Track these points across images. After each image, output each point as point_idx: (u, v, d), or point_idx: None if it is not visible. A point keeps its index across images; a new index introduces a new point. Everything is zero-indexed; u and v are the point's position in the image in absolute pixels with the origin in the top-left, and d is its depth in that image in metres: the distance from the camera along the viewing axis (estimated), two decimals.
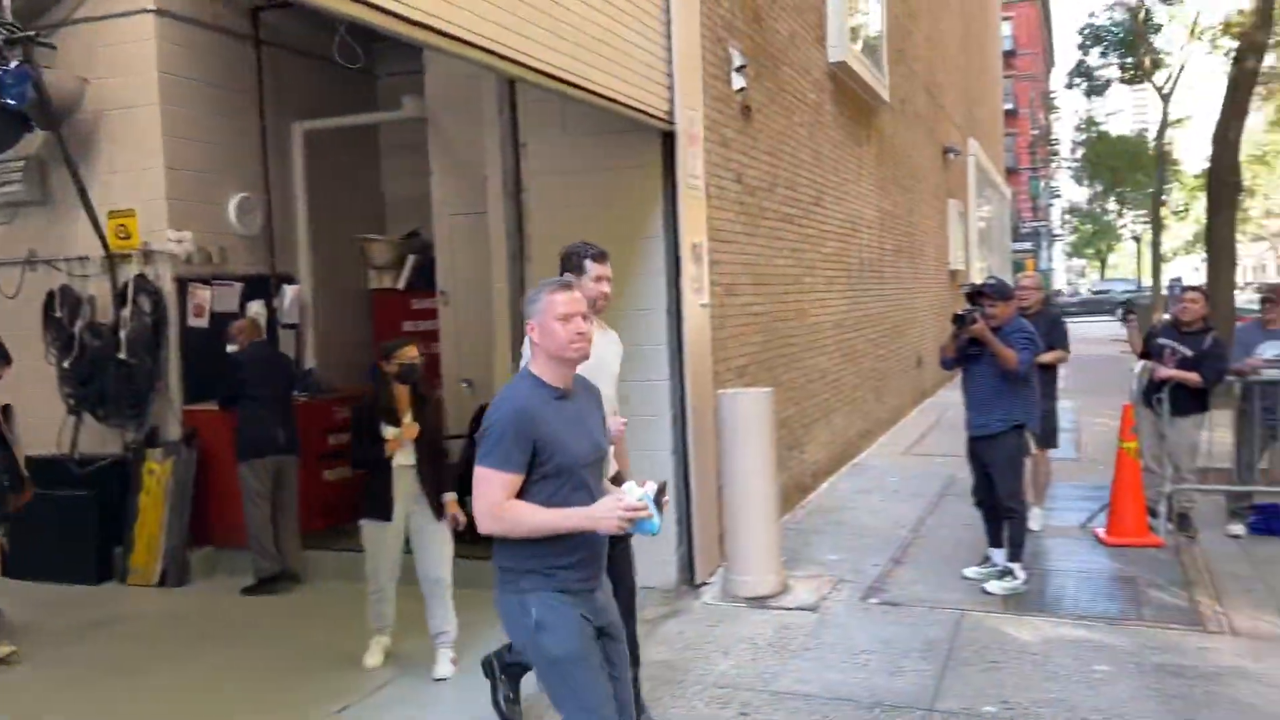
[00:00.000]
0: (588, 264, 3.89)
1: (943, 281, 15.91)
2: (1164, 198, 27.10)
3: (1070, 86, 28.40)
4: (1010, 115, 40.89)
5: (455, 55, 3.78)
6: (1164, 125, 25.84)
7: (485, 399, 6.38)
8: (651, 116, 5.39)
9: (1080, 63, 27.06)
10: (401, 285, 8.04)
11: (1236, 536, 6.88)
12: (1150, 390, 7.12)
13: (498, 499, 2.65)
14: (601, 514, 2.64)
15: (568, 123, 5.81)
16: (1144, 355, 7.31)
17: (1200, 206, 15.62)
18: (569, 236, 6.11)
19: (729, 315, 6.56)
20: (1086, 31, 25.61)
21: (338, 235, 8.11)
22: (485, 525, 2.68)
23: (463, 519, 4.73)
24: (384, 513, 4.78)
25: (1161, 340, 7.08)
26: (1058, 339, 7.21)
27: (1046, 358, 6.85)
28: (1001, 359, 5.73)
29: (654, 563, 5.55)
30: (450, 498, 4.87)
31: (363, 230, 8.26)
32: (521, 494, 2.69)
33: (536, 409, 2.69)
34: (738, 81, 6.52)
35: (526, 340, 2.91)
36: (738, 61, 6.50)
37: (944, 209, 15.88)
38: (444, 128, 7.09)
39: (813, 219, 8.60)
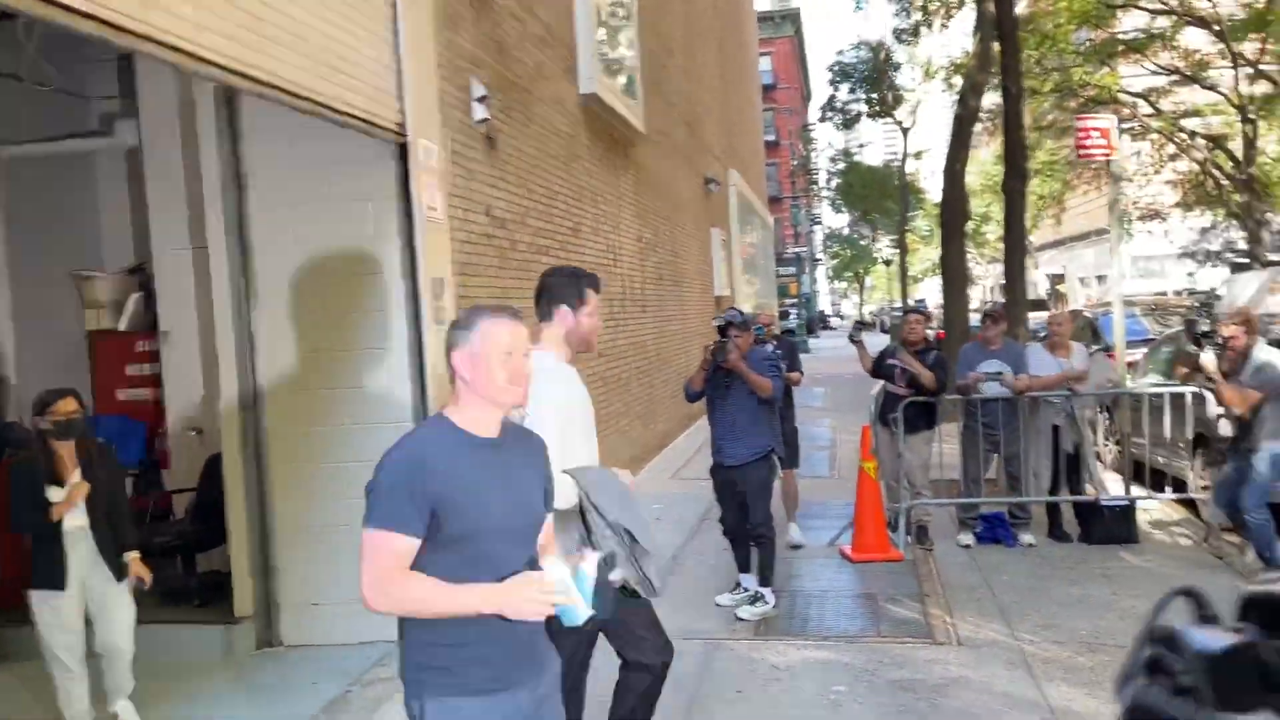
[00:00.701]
0: (589, 294, 3.45)
1: (708, 308, 16.35)
2: (909, 225, 29.22)
3: (824, 119, 30.28)
4: (772, 146, 42.99)
5: (151, 57, 3.39)
6: (905, 157, 27.92)
7: (216, 448, 5.91)
8: (385, 136, 5.16)
9: (831, 97, 28.92)
10: (124, 326, 7.36)
11: (967, 546, 7.34)
12: (886, 410, 7.52)
13: (385, 567, 2.17)
14: (513, 594, 2.16)
15: (296, 153, 5.48)
16: (875, 375, 7.73)
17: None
18: (298, 274, 5.81)
19: None
20: (836, 68, 27.44)
21: (48, 272, 7.33)
22: (370, 600, 2.20)
23: (148, 578, 4.46)
24: (56, 581, 4.31)
25: (891, 361, 7.50)
26: (793, 363, 7.74)
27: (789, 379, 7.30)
28: (756, 387, 5.85)
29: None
30: (132, 556, 4.48)
31: (78, 265, 7.51)
32: (417, 566, 2.21)
33: (438, 459, 2.22)
34: (479, 112, 6.39)
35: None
36: (479, 92, 6.37)
37: (707, 238, 16.35)
38: (161, 155, 6.55)
39: (570, 250, 8.56)
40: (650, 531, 3.06)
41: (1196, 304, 20.89)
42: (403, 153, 5.32)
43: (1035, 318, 22.61)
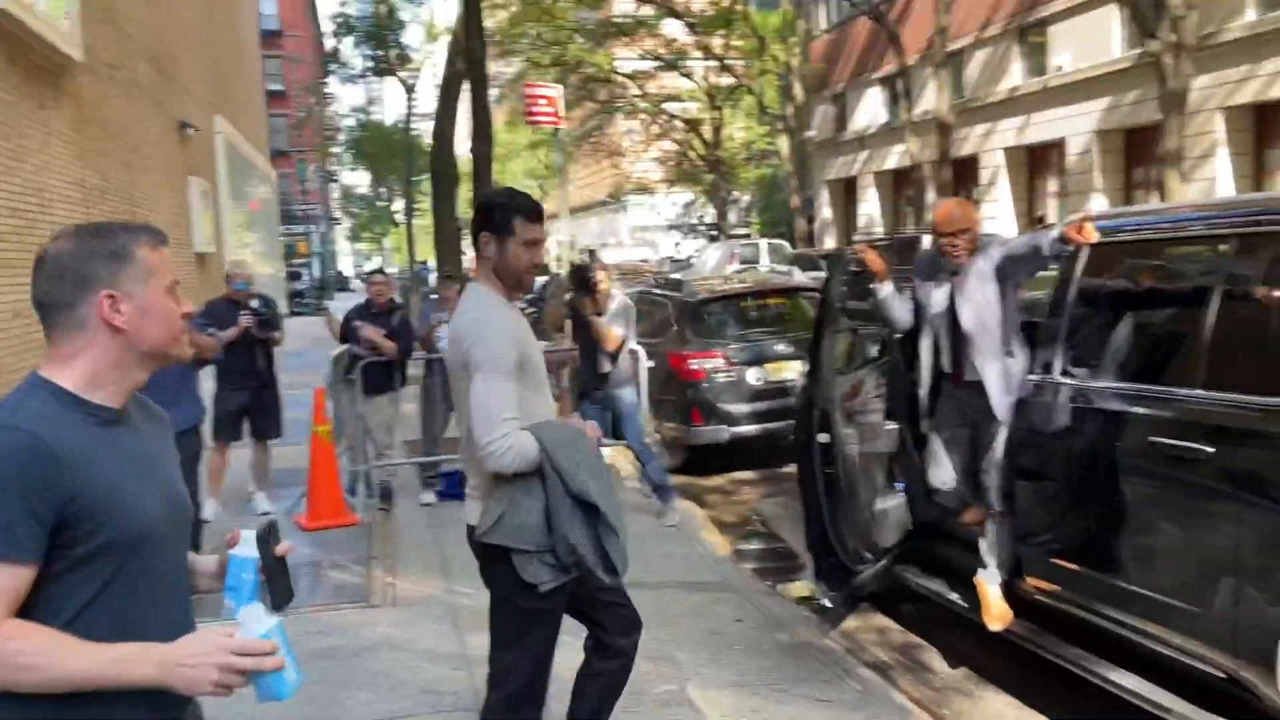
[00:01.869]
0: (517, 222, 2.80)
1: (187, 265, 14.94)
2: (417, 186, 29.22)
3: (329, 73, 29.08)
4: (279, 96, 40.63)
5: None
6: (410, 117, 27.82)
7: None
8: None
9: (335, 50, 27.83)
10: None
11: (428, 504, 7.38)
12: (347, 371, 7.30)
13: None
14: (189, 659, 1.48)
15: None
16: (344, 340, 7.48)
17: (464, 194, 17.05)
18: None
19: None
20: (340, 20, 26.44)
21: None
22: None
23: None
24: None
25: (356, 323, 7.29)
26: (274, 323, 7.21)
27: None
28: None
29: None
30: None
31: None
32: (41, 595, 1.49)
33: (64, 444, 1.50)
34: None
35: None
36: None
37: (183, 187, 14.90)
38: None
39: None
40: (616, 504, 2.78)
41: (669, 272, 23.29)
42: None
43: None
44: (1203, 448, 3.13)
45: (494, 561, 2.82)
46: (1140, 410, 3.47)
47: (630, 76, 33.64)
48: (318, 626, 4.96)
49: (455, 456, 7.68)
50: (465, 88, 10.61)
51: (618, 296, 6.84)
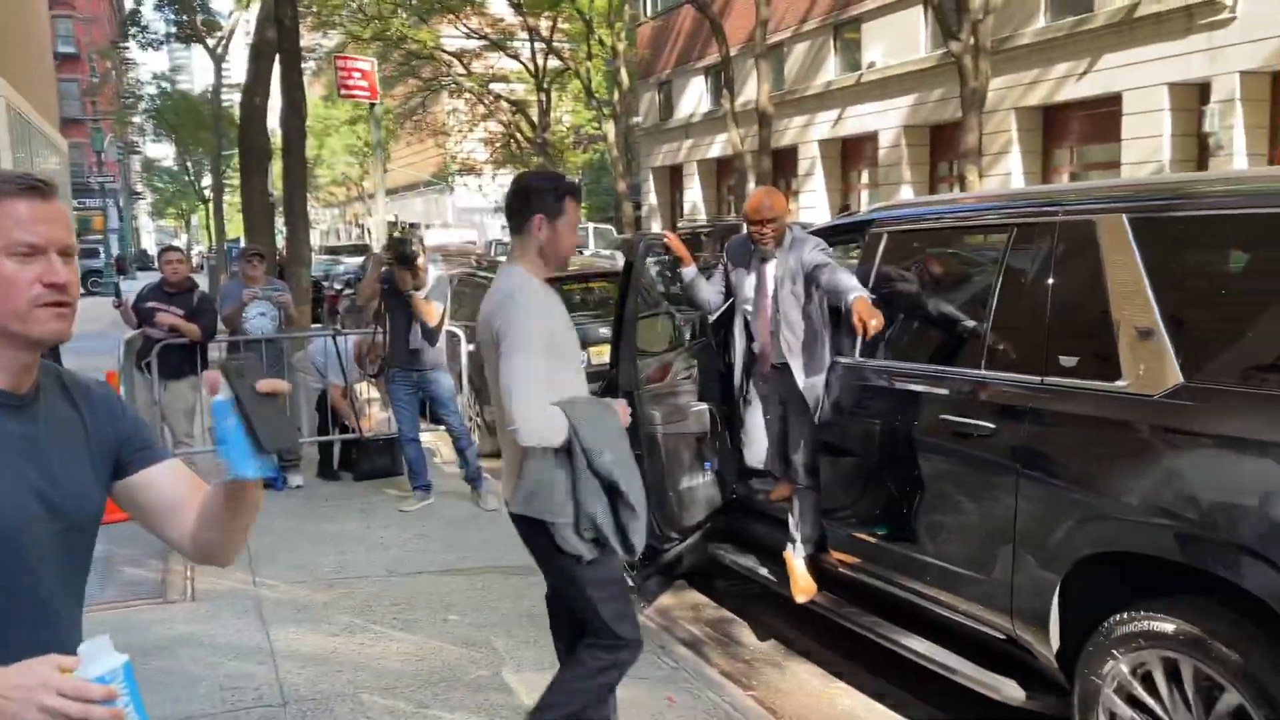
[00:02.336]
0: (568, 204, 2.95)
1: None
2: (226, 161, 27.76)
3: (128, 36, 27.14)
4: (71, 59, 37.67)
5: None
6: (218, 87, 26.35)
7: None
8: None
9: (134, 12, 26.01)
10: None
11: (299, 487, 7.16)
12: (142, 355, 6.87)
13: None
14: (6, 692, 1.21)
15: None
16: (140, 322, 7.03)
17: (276, 170, 16.13)
18: None
19: None
20: None
21: None
22: None
23: None
24: None
25: (150, 304, 6.87)
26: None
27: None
28: None
29: None
30: None
31: None
32: None
33: None
34: None
35: None
36: None
37: None
38: None
39: None
40: (639, 484, 2.86)
41: (496, 255, 23.04)
42: None
43: (352, 262, 23.00)
44: (984, 424, 3.33)
45: (533, 533, 2.93)
46: (932, 390, 3.66)
47: (455, 55, 32.99)
48: (107, 625, 4.63)
49: None
50: (278, 59, 10.11)
51: (433, 271, 6.71)
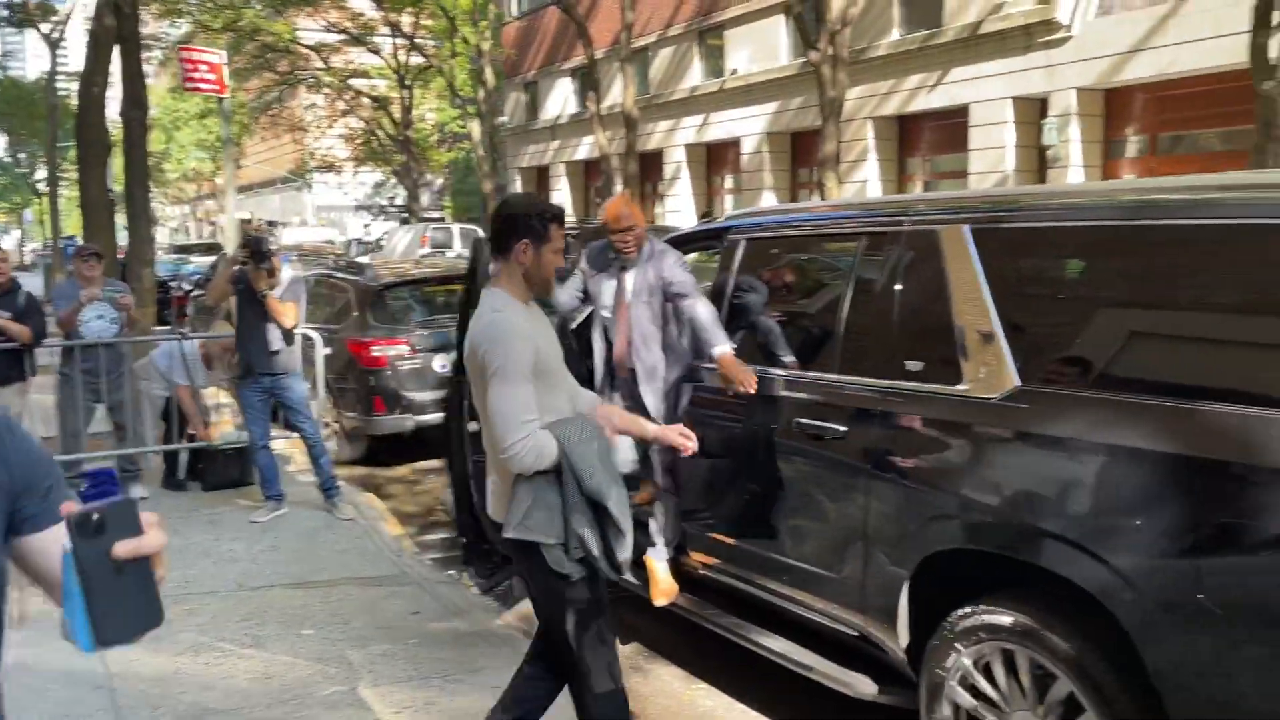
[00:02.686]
0: (553, 229, 2.96)
1: None
2: (63, 153, 26.17)
3: None
4: None
5: None
6: (54, 75, 24.83)
7: None
8: None
9: None
10: None
11: (143, 499, 6.65)
12: None
13: None
14: None
15: None
16: None
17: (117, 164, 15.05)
18: None
19: None
20: None
21: None
22: None
23: None
24: None
25: None
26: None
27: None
28: None
29: None
30: None
31: None
32: None
33: None
34: None
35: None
36: None
37: None
38: None
39: None
40: (627, 505, 2.89)
41: (355, 254, 22.46)
42: None
43: (202, 261, 22.06)
44: (837, 427, 3.41)
45: (526, 556, 2.93)
46: (787, 394, 3.74)
47: (314, 49, 31.99)
48: None
49: (99, 454, 6.96)
50: (118, 47, 9.58)
51: (287, 270, 6.48)
